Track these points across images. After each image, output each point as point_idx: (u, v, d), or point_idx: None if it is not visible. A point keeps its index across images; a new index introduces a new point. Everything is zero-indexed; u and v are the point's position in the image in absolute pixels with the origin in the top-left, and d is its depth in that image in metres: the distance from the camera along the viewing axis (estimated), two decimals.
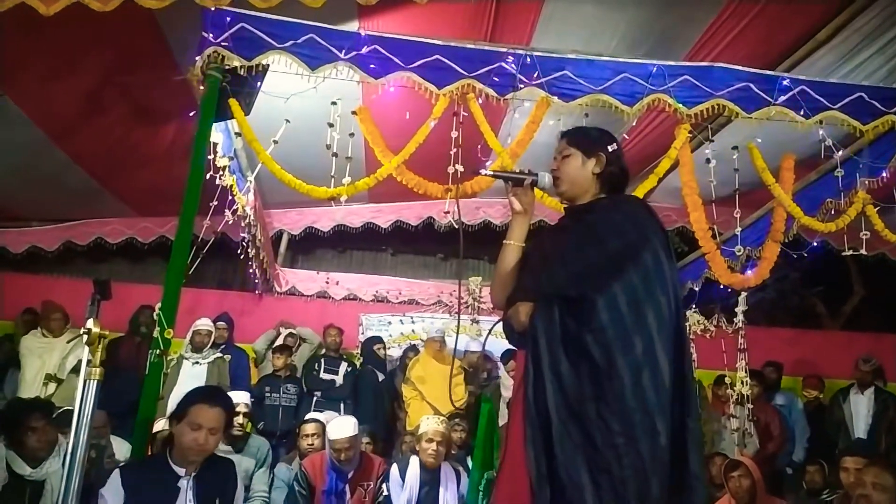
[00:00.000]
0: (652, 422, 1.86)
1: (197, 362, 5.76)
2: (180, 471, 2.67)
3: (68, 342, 5.74)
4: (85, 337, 2.31)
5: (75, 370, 5.39)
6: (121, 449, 4.16)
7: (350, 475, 4.19)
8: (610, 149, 2.20)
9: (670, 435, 1.89)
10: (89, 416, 2.30)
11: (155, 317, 3.20)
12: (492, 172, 2.43)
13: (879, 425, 5.97)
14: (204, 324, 5.99)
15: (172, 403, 4.76)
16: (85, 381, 2.29)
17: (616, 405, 1.86)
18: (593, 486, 1.84)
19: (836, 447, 5.79)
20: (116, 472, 2.66)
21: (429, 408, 5.70)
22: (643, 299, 1.93)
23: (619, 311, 1.91)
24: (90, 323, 2.32)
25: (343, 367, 6.26)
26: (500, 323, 2.18)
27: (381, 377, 6.41)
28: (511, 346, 2.94)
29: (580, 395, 1.90)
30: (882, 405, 6.05)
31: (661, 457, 1.86)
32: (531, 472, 1.92)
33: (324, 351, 6.58)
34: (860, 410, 6.10)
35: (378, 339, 6.94)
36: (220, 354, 5.96)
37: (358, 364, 6.74)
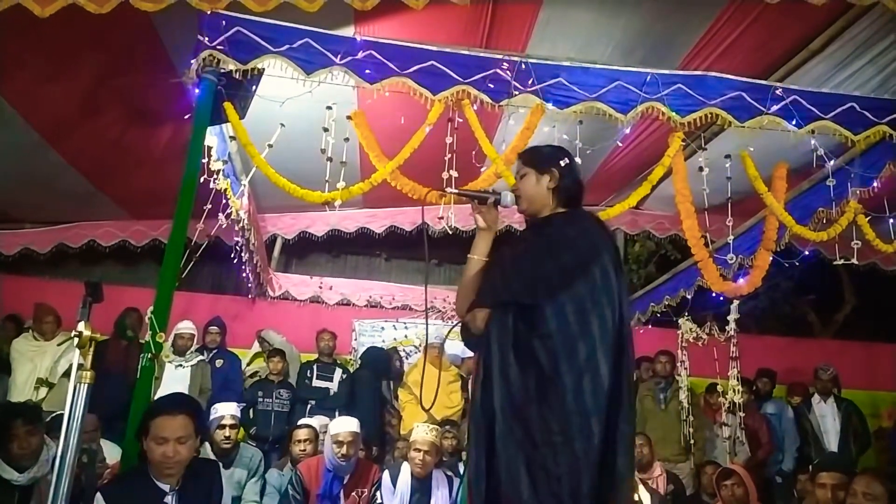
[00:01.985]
0: (588, 424, 1.99)
1: (180, 365, 5.72)
2: (164, 486, 2.55)
3: (59, 345, 5.69)
4: (76, 340, 2.29)
5: (66, 374, 5.35)
6: (111, 453, 4.13)
7: (345, 480, 4.18)
8: (562, 164, 2.32)
9: (603, 437, 2.01)
10: (79, 421, 2.28)
11: (147, 320, 3.19)
12: (457, 191, 2.55)
13: (848, 434, 6.03)
14: (186, 327, 5.94)
15: None
16: (75, 386, 2.28)
17: (557, 407, 1.99)
18: (530, 481, 1.97)
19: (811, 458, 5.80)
20: (98, 494, 2.51)
21: (423, 412, 5.70)
22: (589, 309, 2.06)
23: (565, 319, 2.04)
24: (81, 326, 2.31)
25: (338, 373, 6.25)
26: (459, 326, 2.30)
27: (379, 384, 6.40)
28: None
29: (525, 396, 2.03)
30: (845, 412, 6.13)
31: (593, 457, 1.99)
32: (470, 468, 2.08)
33: (317, 357, 6.56)
34: (827, 420, 6.16)
35: (393, 351, 6.98)
36: (202, 357, 5.93)
37: (352, 369, 6.70)
